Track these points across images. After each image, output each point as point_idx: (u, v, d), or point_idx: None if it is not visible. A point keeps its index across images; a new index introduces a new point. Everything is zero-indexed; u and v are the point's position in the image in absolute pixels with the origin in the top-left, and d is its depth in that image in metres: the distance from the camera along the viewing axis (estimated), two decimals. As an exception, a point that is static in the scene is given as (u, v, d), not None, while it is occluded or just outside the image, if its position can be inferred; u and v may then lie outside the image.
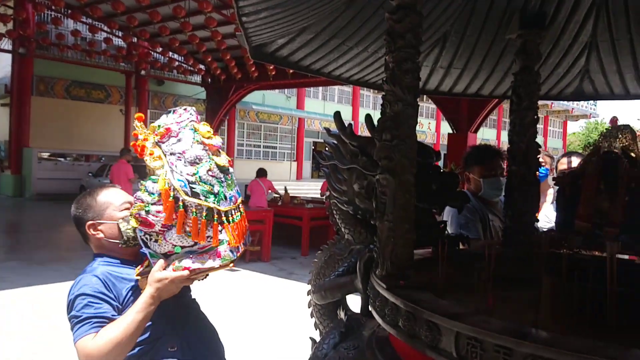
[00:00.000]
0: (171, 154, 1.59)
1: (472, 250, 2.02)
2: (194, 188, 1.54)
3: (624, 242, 1.72)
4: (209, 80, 16.72)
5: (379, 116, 1.48)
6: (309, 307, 2.13)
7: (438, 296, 1.54)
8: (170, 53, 15.86)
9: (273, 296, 6.46)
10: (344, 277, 1.87)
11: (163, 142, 1.62)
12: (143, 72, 19.41)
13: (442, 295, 1.62)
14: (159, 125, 1.64)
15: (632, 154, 1.80)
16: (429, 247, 1.93)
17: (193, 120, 1.64)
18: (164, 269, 1.61)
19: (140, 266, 1.72)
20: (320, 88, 26.25)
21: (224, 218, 1.58)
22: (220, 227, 1.59)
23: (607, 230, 1.71)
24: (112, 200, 1.81)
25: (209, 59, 14.72)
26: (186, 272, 1.59)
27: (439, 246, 1.87)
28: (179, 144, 1.59)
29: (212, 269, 1.62)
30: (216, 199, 1.57)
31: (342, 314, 1.94)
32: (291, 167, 23.14)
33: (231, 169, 1.70)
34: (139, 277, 1.70)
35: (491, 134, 34.43)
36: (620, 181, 1.71)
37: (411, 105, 1.42)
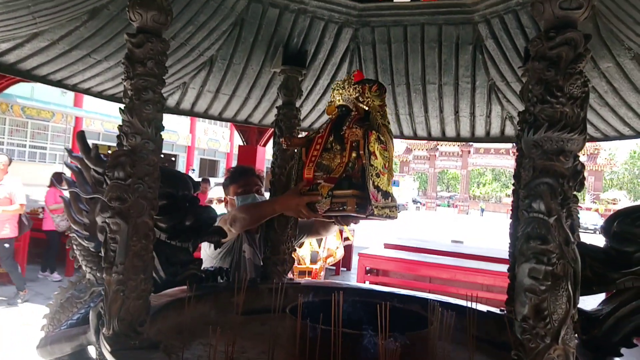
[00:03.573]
0: None
1: (230, 285, 1.96)
2: None
3: (334, 197, 1.64)
4: (-44, 63, 13.63)
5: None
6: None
7: (185, 343, 1.42)
8: None
9: (25, 329, 5.46)
10: (77, 327, 1.60)
11: None
12: None
13: (189, 341, 1.51)
14: None
15: (365, 107, 1.68)
16: (184, 286, 1.79)
17: None
18: None
19: None
20: (105, 85, 23.87)
21: None
22: None
23: (322, 185, 1.67)
24: None
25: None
26: None
27: (190, 285, 1.76)
28: None
29: None
30: None
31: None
32: (64, 172, 20.28)
33: None
34: None
35: (281, 146, 36.11)
36: (345, 137, 1.66)
37: (152, 140, 1.27)
